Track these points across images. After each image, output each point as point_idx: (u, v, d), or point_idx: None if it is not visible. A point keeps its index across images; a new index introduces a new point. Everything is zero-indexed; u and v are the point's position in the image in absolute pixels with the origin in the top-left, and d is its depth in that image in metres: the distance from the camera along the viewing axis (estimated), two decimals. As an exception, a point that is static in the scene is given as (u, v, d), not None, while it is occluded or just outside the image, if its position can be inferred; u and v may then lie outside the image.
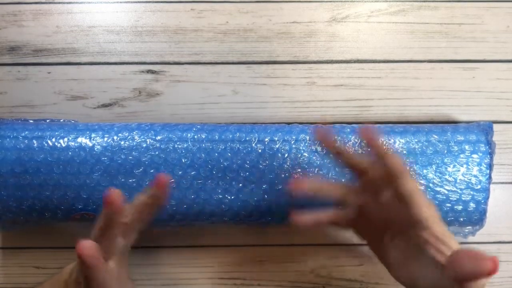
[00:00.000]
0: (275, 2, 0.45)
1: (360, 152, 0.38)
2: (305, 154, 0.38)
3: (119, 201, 0.31)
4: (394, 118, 0.45)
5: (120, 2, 0.45)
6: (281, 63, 0.45)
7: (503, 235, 0.44)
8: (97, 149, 0.37)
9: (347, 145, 0.35)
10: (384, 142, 0.32)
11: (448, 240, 0.30)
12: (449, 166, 0.38)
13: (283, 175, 0.38)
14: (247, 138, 0.38)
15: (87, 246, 0.30)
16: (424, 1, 0.46)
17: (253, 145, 0.38)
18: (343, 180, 0.38)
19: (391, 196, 0.32)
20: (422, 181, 0.38)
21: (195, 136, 0.38)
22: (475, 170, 0.38)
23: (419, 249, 0.31)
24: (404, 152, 0.38)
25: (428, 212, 0.31)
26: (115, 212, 0.32)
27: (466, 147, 0.38)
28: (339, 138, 0.38)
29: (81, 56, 0.45)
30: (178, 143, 0.38)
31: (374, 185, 0.33)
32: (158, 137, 0.38)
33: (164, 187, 0.33)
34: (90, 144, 0.38)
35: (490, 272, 0.27)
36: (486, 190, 0.38)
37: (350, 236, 0.44)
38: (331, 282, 0.44)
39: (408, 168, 0.32)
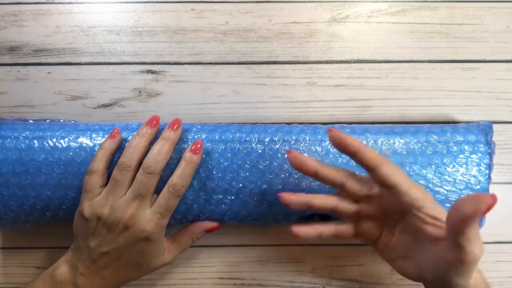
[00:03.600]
0: (275, 2, 0.45)
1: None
2: (305, 154, 0.38)
3: None
4: (394, 118, 0.45)
5: (120, 2, 0.45)
6: (281, 63, 0.45)
7: (503, 235, 0.45)
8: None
9: (320, 161, 0.35)
10: (353, 139, 0.32)
11: (443, 216, 0.31)
12: (449, 167, 0.38)
13: (283, 175, 0.38)
14: (247, 139, 0.38)
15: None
16: (424, 1, 0.46)
17: (253, 145, 0.38)
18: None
19: (379, 189, 0.33)
20: (421, 181, 0.38)
21: (195, 136, 0.38)
22: (474, 171, 0.38)
23: (418, 233, 0.32)
24: (404, 152, 0.38)
25: (418, 192, 0.32)
26: None
27: (466, 147, 0.38)
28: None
29: (81, 56, 0.45)
30: (178, 143, 0.38)
31: (359, 189, 0.34)
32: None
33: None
34: (91, 144, 0.38)
35: (490, 205, 0.27)
36: (486, 190, 0.38)
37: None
38: (331, 282, 0.44)
39: (383, 157, 0.33)
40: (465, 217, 0.27)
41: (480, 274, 0.32)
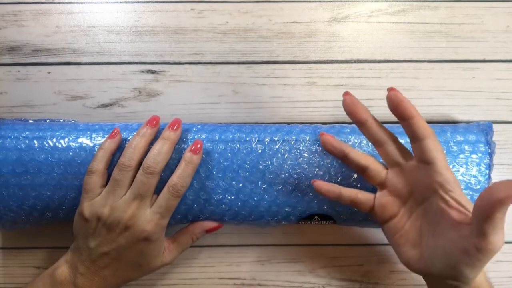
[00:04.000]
0: (275, 2, 0.45)
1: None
2: (305, 154, 0.38)
3: None
4: (394, 118, 0.45)
5: (120, 2, 0.45)
6: (281, 63, 0.45)
7: (502, 235, 0.44)
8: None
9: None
10: (411, 105, 0.32)
11: (468, 206, 0.30)
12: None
13: (283, 175, 0.38)
14: (247, 138, 0.38)
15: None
16: (424, 1, 0.46)
17: (253, 145, 0.38)
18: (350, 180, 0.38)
19: (415, 163, 0.33)
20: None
21: (195, 136, 0.38)
22: (474, 171, 0.38)
23: (440, 216, 0.31)
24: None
25: (451, 175, 0.31)
26: None
27: (466, 147, 0.38)
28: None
29: (81, 56, 0.45)
30: (178, 143, 0.38)
31: (397, 155, 0.34)
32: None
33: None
34: (91, 144, 0.38)
35: None
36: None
37: (350, 236, 0.45)
38: (331, 282, 0.44)
39: (432, 129, 0.32)
40: (497, 201, 0.26)
41: (484, 273, 0.32)
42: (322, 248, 0.44)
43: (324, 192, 0.35)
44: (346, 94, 0.34)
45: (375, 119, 0.34)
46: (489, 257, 0.29)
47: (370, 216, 0.36)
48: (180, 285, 0.44)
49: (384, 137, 0.34)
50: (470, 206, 0.30)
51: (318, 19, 0.45)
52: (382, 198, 0.35)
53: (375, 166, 0.35)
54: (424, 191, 0.33)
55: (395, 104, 0.32)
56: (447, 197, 0.31)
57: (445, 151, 0.38)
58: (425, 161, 0.32)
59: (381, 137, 0.34)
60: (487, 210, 0.27)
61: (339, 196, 0.35)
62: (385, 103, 0.45)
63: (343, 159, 0.36)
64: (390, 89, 0.32)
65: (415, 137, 0.32)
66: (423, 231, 0.33)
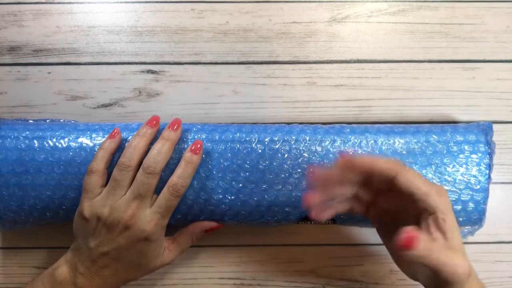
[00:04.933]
0: (275, 2, 0.45)
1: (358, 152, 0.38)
2: (305, 154, 0.38)
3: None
4: (394, 118, 0.45)
5: (120, 2, 0.45)
6: (281, 63, 0.45)
7: (503, 235, 0.45)
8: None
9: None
10: (362, 158, 0.32)
11: (451, 236, 0.30)
12: (449, 166, 0.38)
13: (283, 175, 0.38)
14: (247, 138, 0.38)
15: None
16: (424, 1, 0.46)
17: (253, 145, 0.38)
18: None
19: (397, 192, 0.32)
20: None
21: (195, 136, 0.38)
22: (474, 170, 0.38)
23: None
24: (404, 152, 0.38)
25: (438, 201, 0.31)
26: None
27: (466, 147, 0.38)
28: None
29: (81, 56, 0.45)
30: (178, 143, 0.38)
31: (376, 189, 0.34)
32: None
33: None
34: (91, 144, 0.38)
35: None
36: (485, 190, 0.38)
37: (350, 236, 0.45)
38: (331, 282, 0.44)
39: (400, 163, 0.32)
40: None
41: (474, 275, 0.32)
42: (322, 248, 0.44)
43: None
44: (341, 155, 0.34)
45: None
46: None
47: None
48: (180, 285, 0.44)
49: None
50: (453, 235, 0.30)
51: (318, 19, 0.45)
52: (373, 210, 0.35)
53: (360, 191, 0.35)
54: (412, 210, 0.33)
55: (349, 169, 0.32)
56: (435, 224, 0.31)
57: (445, 151, 0.38)
58: (406, 194, 0.32)
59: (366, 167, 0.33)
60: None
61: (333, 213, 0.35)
62: (384, 103, 0.45)
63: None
64: (340, 156, 0.33)
65: (387, 179, 0.32)
66: None
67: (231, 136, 0.38)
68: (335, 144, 0.38)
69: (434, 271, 0.29)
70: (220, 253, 0.44)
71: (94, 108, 0.45)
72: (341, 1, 0.46)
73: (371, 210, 0.36)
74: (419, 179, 0.31)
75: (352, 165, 0.32)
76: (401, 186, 0.31)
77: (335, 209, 0.35)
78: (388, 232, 0.35)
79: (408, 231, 0.29)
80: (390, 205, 0.34)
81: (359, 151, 0.38)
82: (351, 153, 0.33)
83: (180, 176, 0.36)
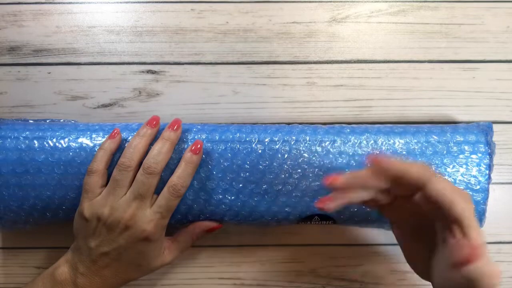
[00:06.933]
0: (275, 2, 0.45)
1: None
2: (305, 154, 0.38)
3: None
4: (394, 118, 0.45)
5: (120, 2, 0.45)
6: (281, 63, 0.45)
7: (503, 235, 0.45)
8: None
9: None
10: (394, 159, 0.30)
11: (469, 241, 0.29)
12: (449, 167, 0.38)
13: (283, 175, 0.38)
14: (247, 139, 0.38)
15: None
16: (424, 1, 0.46)
17: (253, 145, 0.38)
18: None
19: (423, 198, 0.31)
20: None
21: (195, 136, 0.38)
22: (474, 171, 0.38)
23: (444, 245, 0.30)
24: (404, 152, 0.38)
25: (465, 208, 0.29)
26: None
27: (466, 147, 0.38)
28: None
29: (81, 56, 0.45)
30: (178, 143, 0.38)
31: (401, 195, 0.33)
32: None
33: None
34: (91, 145, 0.38)
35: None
36: (485, 191, 0.38)
37: (350, 236, 0.45)
38: (331, 282, 0.44)
39: (430, 170, 0.31)
40: None
41: None
42: (322, 248, 0.45)
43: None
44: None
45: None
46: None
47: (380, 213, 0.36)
48: (180, 285, 0.44)
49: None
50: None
51: (318, 19, 0.45)
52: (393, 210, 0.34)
53: (380, 195, 0.33)
54: (436, 220, 0.32)
55: (378, 174, 0.31)
56: (458, 235, 0.29)
57: (445, 152, 0.38)
58: (432, 202, 0.30)
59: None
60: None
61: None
62: (384, 103, 0.45)
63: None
64: (369, 157, 0.32)
65: (416, 188, 0.31)
66: (432, 248, 0.32)
67: (231, 136, 0.38)
68: (335, 144, 0.38)
69: (474, 282, 0.28)
70: (220, 253, 0.44)
71: (94, 108, 0.45)
72: (341, 1, 0.46)
73: (387, 209, 0.34)
74: (448, 188, 0.30)
75: (384, 171, 0.31)
76: (431, 195, 0.30)
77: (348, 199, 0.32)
78: (402, 228, 0.34)
79: (473, 246, 0.28)
80: (409, 205, 0.33)
81: (386, 153, 0.37)
82: (379, 156, 0.31)
83: (180, 176, 0.36)
